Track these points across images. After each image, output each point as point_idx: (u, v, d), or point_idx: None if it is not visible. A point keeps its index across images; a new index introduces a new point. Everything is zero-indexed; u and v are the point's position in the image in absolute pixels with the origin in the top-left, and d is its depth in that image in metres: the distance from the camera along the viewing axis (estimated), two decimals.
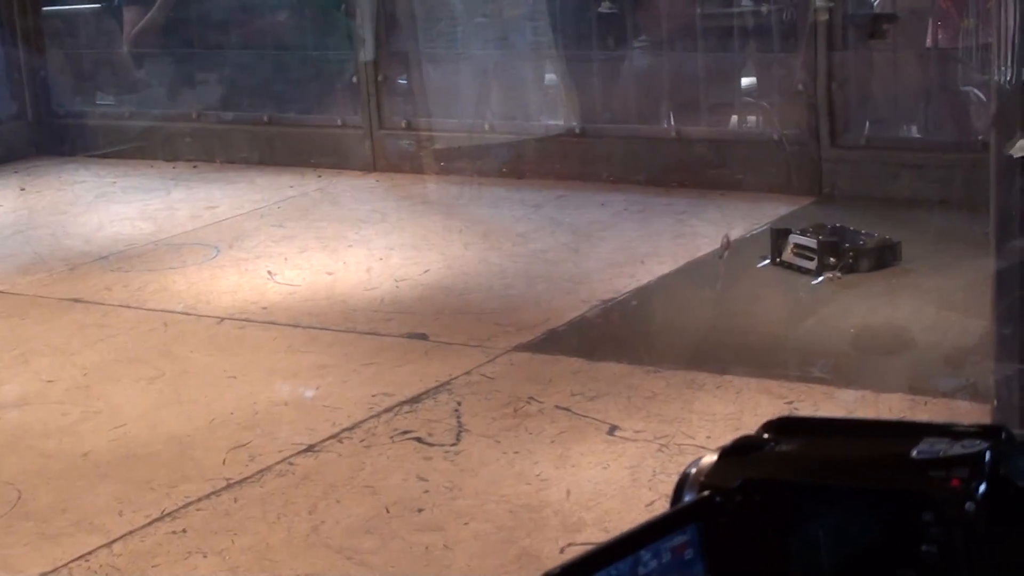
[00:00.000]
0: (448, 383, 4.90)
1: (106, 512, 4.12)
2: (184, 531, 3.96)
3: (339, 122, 8.40)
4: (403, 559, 3.73)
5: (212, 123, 8.87)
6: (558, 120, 7.77)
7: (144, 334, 5.68)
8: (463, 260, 6.35)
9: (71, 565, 3.81)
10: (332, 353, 5.31)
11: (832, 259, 5.64)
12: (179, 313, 5.89)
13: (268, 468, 4.33)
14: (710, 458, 1.37)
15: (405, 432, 4.53)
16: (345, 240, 6.84)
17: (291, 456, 4.41)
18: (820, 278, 5.61)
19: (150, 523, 4.03)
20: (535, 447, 4.34)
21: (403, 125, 8.13)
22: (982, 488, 1.22)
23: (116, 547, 3.90)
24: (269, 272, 6.39)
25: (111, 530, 4.00)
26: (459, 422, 4.58)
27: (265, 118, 8.69)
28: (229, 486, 4.23)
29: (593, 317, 5.48)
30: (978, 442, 1.26)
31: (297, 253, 6.67)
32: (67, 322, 5.92)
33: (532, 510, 3.94)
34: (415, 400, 4.78)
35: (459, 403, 4.73)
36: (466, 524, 3.89)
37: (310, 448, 4.46)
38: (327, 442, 4.50)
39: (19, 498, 4.25)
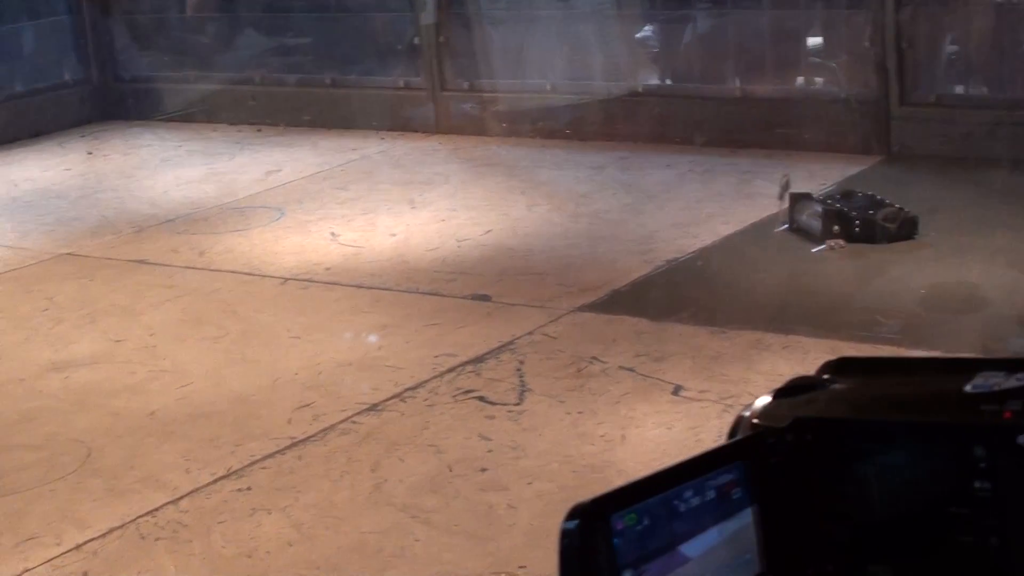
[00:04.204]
0: (511, 343, 4.89)
1: (173, 469, 4.15)
2: (249, 488, 3.99)
3: (401, 84, 8.40)
4: (466, 517, 3.73)
5: (275, 86, 8.88)
6: (621, 81, 7.71)
7: (209, 295, 5.71)
8: (525, 221, 6.33)
9: (139, 520, 3.83)
10: (395, 313, 5.32)
11: (836, 227, 5.53)
12: (244, 274, 5.92)
13: (332, 427, 4.35)
14: (764, 399, 1.36)
15: (468, 392, 4.53)
16: (408, 202, 6.83)
17: (354, 415, 4.42)
18: (822, 246, 5.52)
19: (215, 480, 4.05)
20: (599, 407, 4.32)
21: (466, 87, 8.12)
22: None
23: (182, 503, 3.92)
24: (332, 234, 6.40)
25: (178, 487, 4.02)
26: (522, 382, 4.57)
27: (328, 81, 8.69)
28: (293, 444, 4.25)
29: (657, 277, 5.45)
30: None
31: (360, 215, 6.68)
32: (134, 283, 5.96)
33: (596, 470, 3.93)
34: (478, 360, 4.77)
35: (522, 363, 4.72)
36: (529, 484, 3.89)
37: (373, 407, 4.47)
38: (390, 401, 4.50)
39: (89, 455, 4.29)
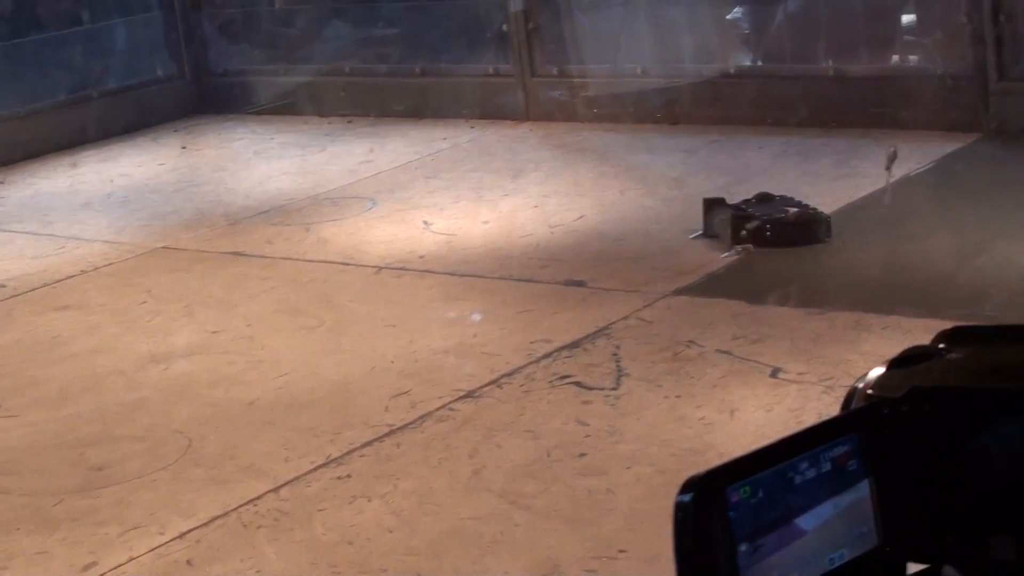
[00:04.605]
0: (606, 328, 4.87)
1: (272, 458, 4.17)
2: (348, 476, 4.00)
3: (491, 71, 8.38)
4: (566, 503, 3.72)
5: (365, 77, 8.91)
6: (713, 63, 7.65)
7: (304, 285, 5.74)
8: (618, 206, 6.30)
9: (240, 509, 3.86)
10: (489, 300, 5.31)
11: (743, 232, 5.41)
12: (338, 264, 5.94)
13: (429, 414, 4.35)
14: (878, 370, 1.33)
15: (564, 377, 4.51)
16: (499, 189, 6.83)
17: (451, 402, 4.42)
18: (729, 252, 5.41)
19: (315, 469, 4.07)
20: (697, 391, 4.29)
21: (555, 73, 8.09)
22: None
23: (283, 492, 3.94)
24: (425, 222, 6.41)
25: (278, 475, 4.04)
26: (618, 366, 4.55)
27: (417, 70, 8.70)
28: (391, 432, 4.25)
29: (752, 259, 5.40)
30: None
31: (452, 203, 6.68)
32: (230, 275, 6.01)
33: (696, 453, 3.90)
34: (573, 345, 4.75)
35: (618, 348, 4.70)
36: (628, 468, 3.87)
37: (470, 394, 4.46)
38: (486, 388, 4.50)
39: (189, 445, 4.33)
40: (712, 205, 5.68)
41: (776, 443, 1.25)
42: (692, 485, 1.21)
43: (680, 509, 1.21)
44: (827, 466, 1.26)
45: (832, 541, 1.27)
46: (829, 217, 5.49)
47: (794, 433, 1.26)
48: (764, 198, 5.67)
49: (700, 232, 5.67)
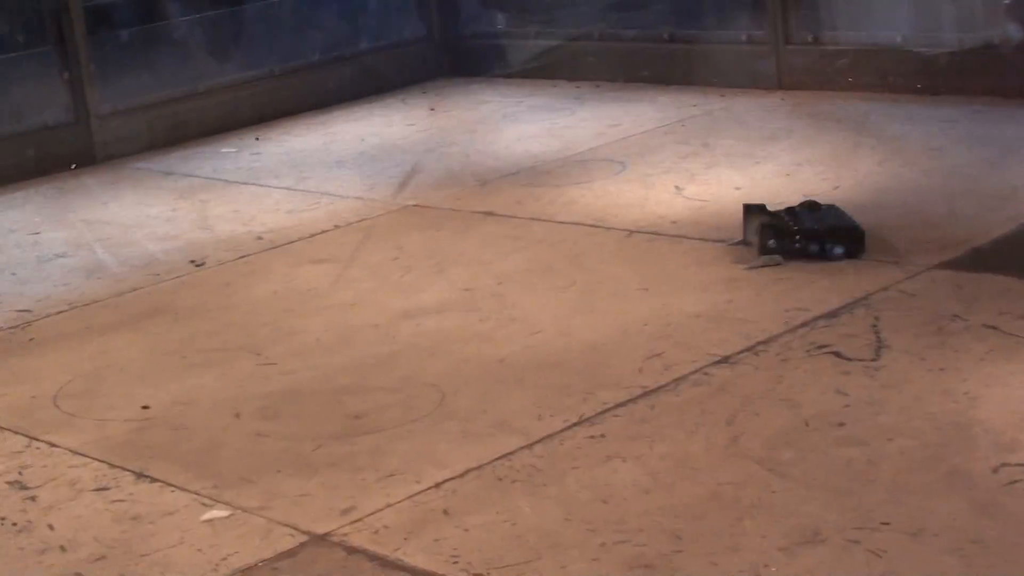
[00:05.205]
0: (865, 299, 4.75)
1: (524, 415, 4.17)
2: (602, 436, 3.98)
3: (743, 38, 8.26)
4: (824, 472, 3.64)
5: (613, 42, 8.87)
6: (975, 32, 7.40)
7: (554, 245, 5.74)
8: (875, 176, 6.15)
9: (494, 463, 3.87)
10: (742, 267, 5.23)
11: (772, 242, 5.21)
12: (588, 226, 5.93)
13: (683, 377, 4.30)
14: None
15: (822, 347, 4.42)
16: (751, 157, 6.73)
17: (706, 367, 4.37)
18: (756, 262, 5.20)
19: (568, 427, 4.06)
20: (962, 364, 4.16)
21: (810, 40, 7.93)
22: None
23: (536, 448, 3.94)
24: (676, 187, 6.36)
25: (530, 432, 4.05)
26: (878, 338, 4.44)
27: (666, 35, 8.62)
28: (645, 394, 4.22)
29: (1022, 235, 5.21)
30: None
31: (704, 169, 6.61)
32: (480, 234, 6.04)
33: (961, 428, 3.78)
34: (831, 315, 4.65)
35: (877, 319, 4.58)
36: (890, 440, 3.76)
37: (725, 359, 4.40)
38: (742, 354, 4.43)
39: (443, 399, 4.36)
40: (751, 211, 5.47)
41: None
42: None
43: None
44: None
45: None
46: (863, 232, 5.21)
47: None
48: (811, 207, 5.41)
49: (740, 239, 5.47)
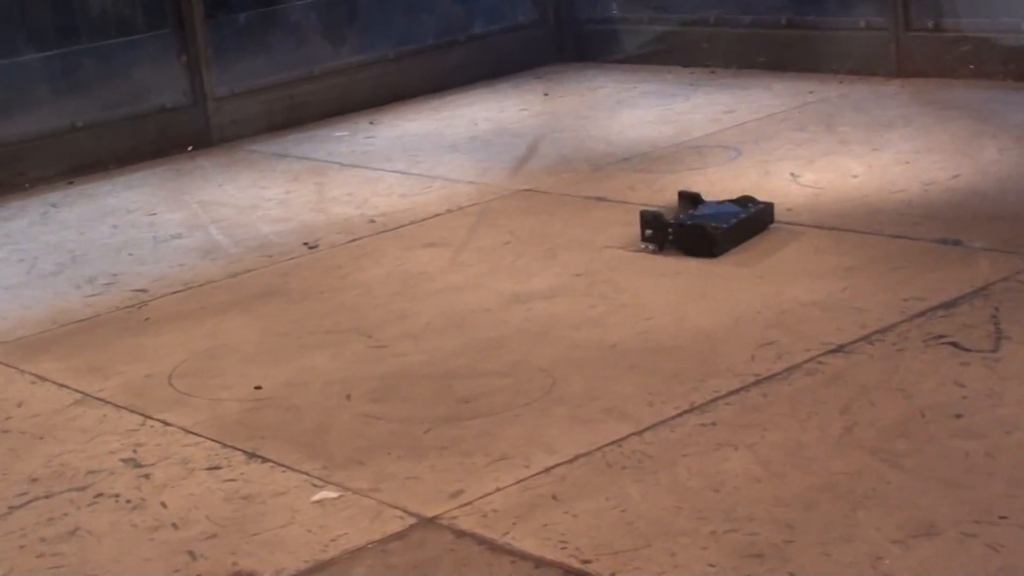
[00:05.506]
0: (984, 289, 4.67)
1: (635, 401, 4.15)
2: (713, 424, 3.94)
3: (862, 24, 8.14)
4: (940, 464, 3.57)
5: (729, 27, 8.79)
6: None
7: None
8: (997, 165, 6.04)
9: (604, 449, 3.85)
10: (858, 255, 5.16)
11: (649, 232, 5.48)
12: None
13: (796, 366, 4.25)
14: None
15: (939, 337, 4.34)
16: (869, 144, 6.63)
17: (819, 355, 4.31)
18: (636, 248, 5.46)
19: (679, 414, 4.02)
20: None
21: (931, 26, 7.79)
22: None
23: (646, 435, 3.91)
24: (792, 174, 6.28)
25: (641, 419, 4.02)
26: (997, 328, 4.35)
27: (783, 21, 8.53)
28: (757, 382, 4.17)
29: None
30: None
31: (819, 156, 6.53)
32: (592, 219, 6.01)
33: None
34: (949, 305, 4.57)
35: (997, 309, 4.49)
36: (1009, 432, 3.69)
37: (839, 348, 4.34)
38: (857, 343, 4.36)
39: (553, 384, 4.35)
40: (684, 199, 5.70)
41: None
42: None
43: None
44: None
45: None
46: (722, 230, 5.36)
47: None
48: (744, 202, 5.61)
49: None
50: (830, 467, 3.62)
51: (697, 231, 5.39)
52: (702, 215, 5.53)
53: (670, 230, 5.44)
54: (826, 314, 4.64)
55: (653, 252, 5.42)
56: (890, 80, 7.83)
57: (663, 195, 6.18)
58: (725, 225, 5.39)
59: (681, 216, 5.54)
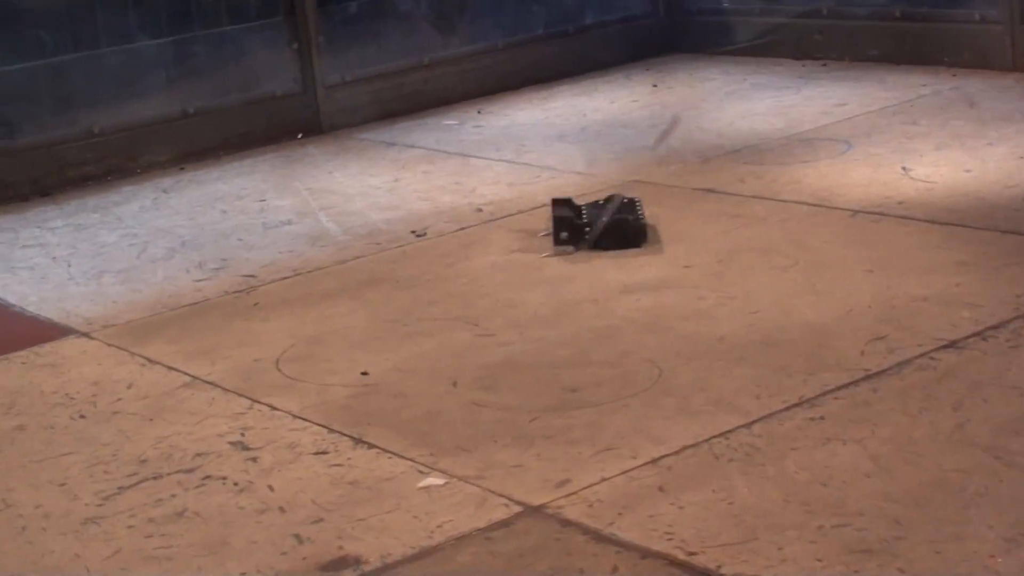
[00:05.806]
0: None
1: (743, 394, 4.11)
2: (822, 418, 3.90)
3: (976, 18, 8.01)
4: None
5: (842, 20, 8.69)
6: None
7: (776, 224, 5.65)
8: None
9: (712, 441, 3.82)
10: (972, 251, 5.08)
11: (565, 235, 5.55)
12: (811, 205, 5.82)
13: (908, 361, 4.19)
14: None
15: None
16: (983, 138, 6.53)
17: (931, 351, 4.25)
18: (549, 253, 5.55)
19: (787, 408, 3.99)
20: None
21: None
22: None
23: (755, 428, 3.88)
24: (903, 168, 6.20)
25: (749, 411, 3.99)
26: None
27: (897, 13, 8.41)
28: (867, 377, 4.12)
29: None
30: None
31: (932, 150, 6.44)
32: (700, 211, 5.98)
33: None
34: None
35: None
36: None
37: (952, 344, 4.28)
38: (970, 339, 4.30)
39: (660, 375, 4.33)
40: (559, 205, 5.72)
41: None
42: None
43: None
44: None
45: None
46: (644, 225, 5.57)
47: None
48: (608, 200, 5.72)
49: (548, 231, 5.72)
50: (941, 464, 3.56)
51: (621, 224, 5.52)
52: (606, 211, 5.65)
53: (586, 230, 5.55)
54: (939, 309, 4.57)
55: (571, 253, 5.53)
56: (1005, 74, 7.71)
57: (773, 187, 6.13)
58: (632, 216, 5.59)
59: (595, 213, 5.65)
